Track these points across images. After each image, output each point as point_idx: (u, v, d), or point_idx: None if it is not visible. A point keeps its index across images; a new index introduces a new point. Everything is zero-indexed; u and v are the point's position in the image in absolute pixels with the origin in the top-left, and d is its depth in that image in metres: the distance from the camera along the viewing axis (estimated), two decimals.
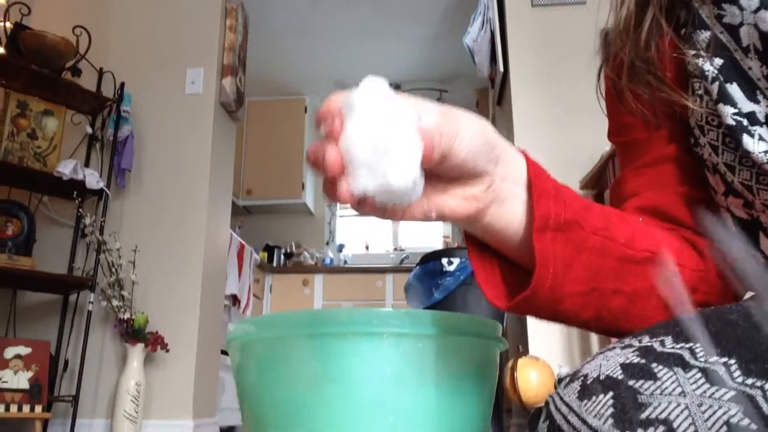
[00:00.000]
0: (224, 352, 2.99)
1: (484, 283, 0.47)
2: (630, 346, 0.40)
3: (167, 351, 2.45)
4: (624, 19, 0.58)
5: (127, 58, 2.87)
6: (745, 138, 0.47)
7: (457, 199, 0.42)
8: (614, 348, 0.41)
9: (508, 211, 0.45)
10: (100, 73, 2.75)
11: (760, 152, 0.46)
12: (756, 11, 0.47)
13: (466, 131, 0.40)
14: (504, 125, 2.93)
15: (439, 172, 0.41)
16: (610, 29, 0.63)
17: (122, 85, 2.67)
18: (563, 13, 2.73)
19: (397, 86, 5.21)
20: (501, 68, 2.73)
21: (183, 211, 2.68)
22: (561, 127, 2.61)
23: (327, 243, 5.51)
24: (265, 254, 4.93)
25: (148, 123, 2.79)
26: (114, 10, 2.99)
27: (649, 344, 0.39)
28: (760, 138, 0.46)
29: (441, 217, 0.42)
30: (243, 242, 3.98)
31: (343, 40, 4.54)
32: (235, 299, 3.74)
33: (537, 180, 0.45)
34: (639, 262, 0.48)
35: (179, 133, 2.78)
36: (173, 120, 2.80)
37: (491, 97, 3.15)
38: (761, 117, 0.47)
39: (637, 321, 0.48)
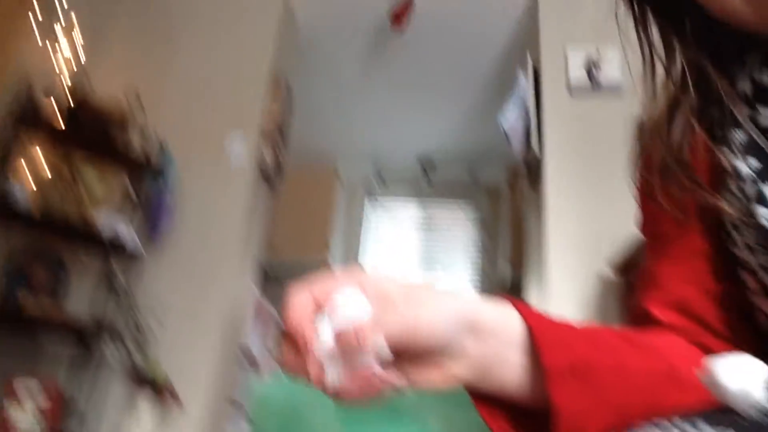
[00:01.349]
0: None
1: None
2: (664, 428, 0.39)
3: (180, 406, 2.42)
4: (656, 118, 0.58)
5: (171, 122, 2.97)
6: None
7: (438, 375, 0.42)
8: (645, 429, 0.40)
9: (497, 379, 0.44)
10: (145, 134, 2.85)
11: None
12: None
13: (427, 317, 0.40)
14: (535, 209, 2.94)
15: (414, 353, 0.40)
16: (641, 122, 0.64)
17: (163, 144, 2.76)
18: (601, 102, 2.78)
19: (430, 162, 5.30)
20: (537, 153, 2.76)
21: (211, 274, 2.72)
22: (594, 214, 2.60)
23: None
24: None
25: (188, 187, 2.84)
26: (167, 77, 3.11)
27: (682, 427, 0.38)
28: None
29: (419, 387, 0.41)
30: (268, 307, 3.96)
31: (383, 118, 4.68)
32: (253, 361, 3.69)
33: (538, 332, 0.43)
34: (655, 387, 0.46)
35: (217, 199, 2.84)
36: (212, 186, 2.87)
37: (524, 180, 3.18)
38: None
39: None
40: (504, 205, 5.28)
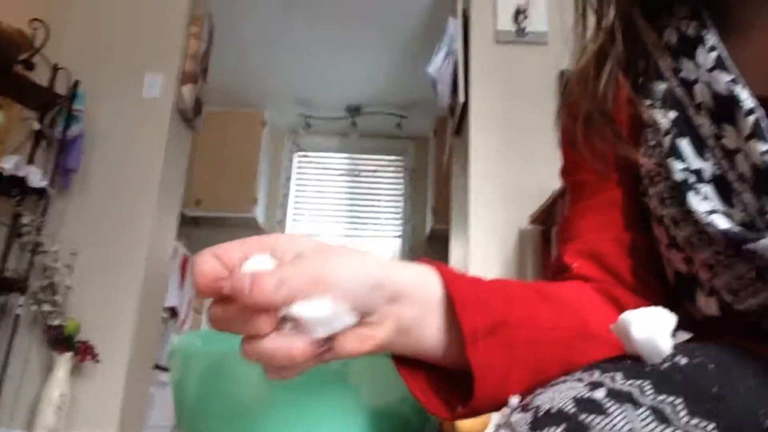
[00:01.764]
0: (157, 367, 2.89)
1: (421, 396, 0.44)
2: (581, 380, 0.40)
3: (97, 362, 2.34)
4: (582, 69, 0.59)
5: (84, 56, 2.79)
6: (690, 195, 0.47)
7: (353, 340, 0.39)
8: (566, 381, 0.41)
9: (417, 342, 0.43)
10: (55, 69, 2.65)
11: (703, 212, 0.46)
12: (710, 70, 0.48)
13: (334, 269, 0.38)
14: (461, 156, 2.98)
15: None
16: (570, 73, 0.64)
17: (76, 83, 2.59)
18: (525, 51, 2.82)
19: (357, 108, 5.24)
20: (461, 99, 2.78)
21: (128, 217, 2.60)
22: (516, 162, 2.67)
23: None
24: None
25: (101, 124, 2.70)
26: (75, 4, 2.91)
27: (599, 379, 0.39)
28: (705, 197, 0.47)
29: (339, 357, 0.39)
30: (188, 254, 3.88)
31: (308, 58, 4.54)
32: (173, 312, 3.63)
33: (457, 294, 0.43)
34: (569, 343, 0.47)
35: (132, 137, 2.71)
36: (127, 123, 2.72)
37: (450, 127, 3.20)
38: (707, 175, 0.48)
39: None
40: (430, 154, 5.33)
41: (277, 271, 0.36)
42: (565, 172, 0.64)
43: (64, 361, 2.26)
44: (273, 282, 0.35)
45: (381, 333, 0.41)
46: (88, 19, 2.89)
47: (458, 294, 0.43)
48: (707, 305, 0.50)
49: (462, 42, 2.85)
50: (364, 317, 0.39)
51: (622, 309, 0.52)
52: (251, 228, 5.40)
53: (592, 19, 0.60)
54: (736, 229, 0.45)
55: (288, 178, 5.71)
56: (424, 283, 0.44)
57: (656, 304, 0.52)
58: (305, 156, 5.79)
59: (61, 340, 2.26)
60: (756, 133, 0.44)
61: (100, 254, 2.53)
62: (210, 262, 0.38)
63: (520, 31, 2.82)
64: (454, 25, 2.95)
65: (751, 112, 0.45)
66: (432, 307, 0.44)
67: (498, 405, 0.45)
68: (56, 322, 2.28)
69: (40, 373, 2.38)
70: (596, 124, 0.56)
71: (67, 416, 2.23)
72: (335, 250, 0.40)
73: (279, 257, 0.39)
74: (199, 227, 5.34)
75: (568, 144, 0.61)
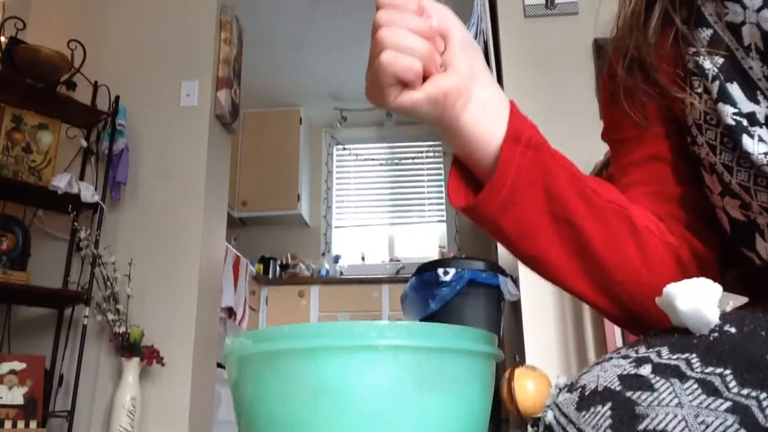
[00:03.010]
0: (220, 365, 2.98)
1: (450, 185, 0.51)
2: (627, 356, 0.40)
3: (163, 365, 2.43)
4: (631, 13, 0.58)
5: (122, 72, 2.88)
6: (745, 138, 0.46)
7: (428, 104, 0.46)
8: (611, 358, 0.41)
9: (481, 124, 0.48)
10: (95, 86, 2.75)
11: (759, 154, 0.45)
12: (759, 10, 0.47)
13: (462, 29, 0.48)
14: None
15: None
16: (605, 40, 0.63)
17: (117, 98, 2.67)
18: (555, 24, 2.76)
19: None
20: (494, 76, 2.75)
21: (178, 223, 2.68)
22: (554, 136, 2.60)
23: (323, 254, 5.51)
24: (261, 266, 4.92)
25: (144, 136, 2.79)
26: (109, 23, 3.00)
27: (645, 354, 0.39)
28: (760, 139, 0.46)
29: (414, 109, 0.46)
30: (239, 254, 3.97)
31: (337, 52, 4.56)
32: (231, 312, 3.73)
33: (516, 110, 0.49)
34: (600, 207, 0.50)
35: (174, 145, 2.78)
36: (168, 133, 2.80)
37: None
38: (761, 118, 0.47)
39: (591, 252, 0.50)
40: None
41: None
42: (607, 132, 0.64)
43: (132, 367, 2.36)
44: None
45: (456, 102, 0.47)
46: (122, 35, 2.98)
47: (517, 111, 0.49)
48: (767, 249, 0.49)
49: (490, 20, 2.80)
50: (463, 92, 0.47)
51: (667, 226, 0.53)
52: (297, 224, 5.49)
53: None
54: None
55: (329, 173, 5.76)
56: (502, 99, 0.50)
57: (708, 255, 0.52)
58: (344, 149, 5.83)
59: (127, 346, 2.36)
60: None
61: (155, 261, 2.62)
62: None
63: (550, 3, 2.76)
64: (482, 3, 2.91)
65: None
66: (497, 114, 0.49)
67: (508, 221, 0.49)
68: (121, 330, 2.37)
69: (111, 380, 2.49)
70: (643, 74, 0.55)
71: (139, 418, 2.33)
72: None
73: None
74: (246, 227, 5.45)
75: (609, 102, 0.61)
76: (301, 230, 5.53)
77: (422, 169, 5.68)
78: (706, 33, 0.51)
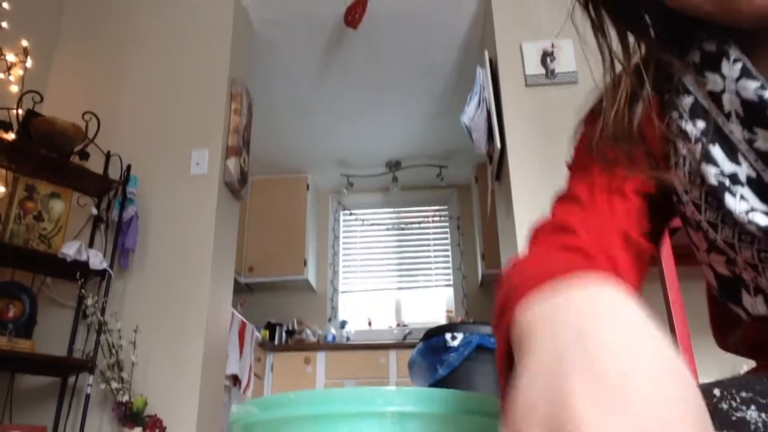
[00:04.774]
0: None
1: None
2: None
3: None
4: (619, 113, 0.58)
5: (134, 141, 2.95)
6: (727, 197, 0.48)
7: None
8: None
9: None
10: (108, 156, 2.81)
11: (741, 212, 0.47)
12: (737, 80, 0.50)
13: None
14: (503, 200, 2.97)
15: None
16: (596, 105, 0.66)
17: (128, 167, 2.73)
18: (557, 92, 2.83)
19: (397, 163, 5.32)
20: (498, 145, 2.80)
21: (185, 290, 2.68)
22: (555, 190, 2.64)
23: (329, 319, 5.45)
24: (267, 332, 4.87)
25: (153, 203, 2.83)
26: (124, 95, 3.10)
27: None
28: (742, 197, 0.48)
29: None
30: (245, 320, 3.94)
31: (344, 120, 4.67)
32: (235, 379, 3.67)
33: None
34: None
35: (183, 212, 2.82)
36: (178, 200, 2.84)
37: (490, 173, 3.21)
38: (742, 178, 0.49)
39: None
40: (474, 201, 5.33)
41: None
42: (574, 167, 0.68)
43: None
44: None
45: None
46: (134, 107, 3.07)
47: None
48: (753, 305, 0.50)
49: (492, 89, 2.89)
50: None
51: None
52: (304, 289, 5.47)
53: (619, 66, 0.62)
54: None
55: (336, 238, 5.79)
56: None
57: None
58: (351, 214, 5.88)
59: (130, 416, 2.32)
60: None
61: (161, 328, 2.60)
62: None
63: (550, 73, 2.85)
64: (484, 74, 3.00)
65: None
66: None
67: None
68: (124, 399, 2.33)
69: None
70: (625, 147, 0.57)
71: None
72: None
73: None
74: (253, 293, 5.43)
75: (586, 150, 0.63)
76: (307, 295, 5.51)
77: (428, 234, 5.70)
78: (687, 100, 0.54)
